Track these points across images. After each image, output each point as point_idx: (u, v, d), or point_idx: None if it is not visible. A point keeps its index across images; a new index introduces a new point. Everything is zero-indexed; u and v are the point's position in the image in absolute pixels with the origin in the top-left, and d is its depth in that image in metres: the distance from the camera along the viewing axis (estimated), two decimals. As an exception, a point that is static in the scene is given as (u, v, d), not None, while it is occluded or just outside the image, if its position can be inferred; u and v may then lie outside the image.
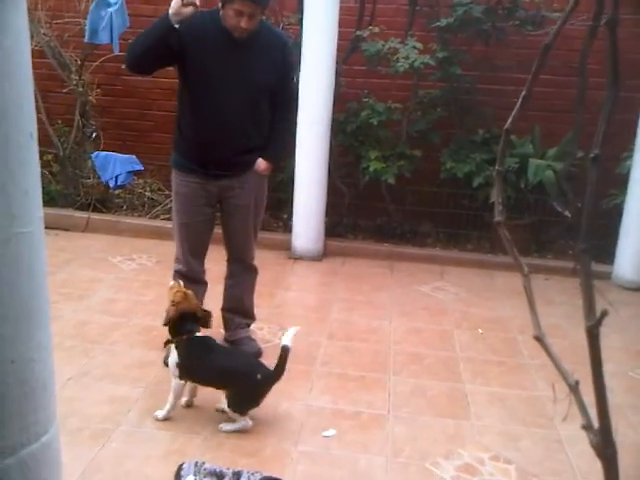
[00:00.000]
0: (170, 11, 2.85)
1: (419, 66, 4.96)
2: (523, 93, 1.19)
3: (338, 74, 5.12)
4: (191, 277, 3.31)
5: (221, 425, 2.81)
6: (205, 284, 3.43)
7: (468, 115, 5.56)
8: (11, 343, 1.07)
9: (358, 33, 5.27)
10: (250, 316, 3.58)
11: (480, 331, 4.05)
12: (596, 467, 1.18)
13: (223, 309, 3.52)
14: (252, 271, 3.50)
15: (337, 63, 5.04)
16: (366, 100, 5.40)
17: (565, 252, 5.46)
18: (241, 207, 3.29)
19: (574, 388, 1.02)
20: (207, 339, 2.90)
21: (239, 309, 3.53)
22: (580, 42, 5.23)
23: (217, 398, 2.85)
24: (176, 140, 3.27)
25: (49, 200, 5.63)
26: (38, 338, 1.13)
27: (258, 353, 3.43)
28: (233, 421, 2.80)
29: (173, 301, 2.84)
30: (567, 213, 5.49)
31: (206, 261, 3.43)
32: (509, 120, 1.19)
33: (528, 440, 2.90)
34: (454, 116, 5.55)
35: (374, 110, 5.29)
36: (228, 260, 3.48)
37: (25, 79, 1.07)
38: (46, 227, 4.70)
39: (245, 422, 2.79)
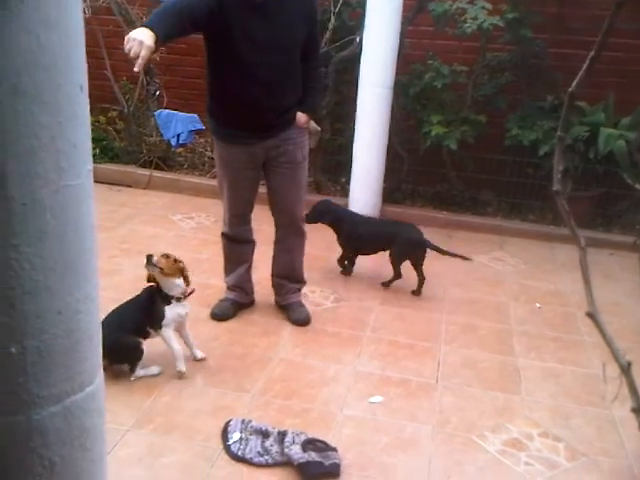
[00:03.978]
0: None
1: (488, 27, 4.76)
2: (591, 54, 1.11)
3: (403, 35, 4.98)
4: (237, 239, 3.40)
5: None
6: (253, 242, 3.47)
7: (537, 80, 5.32)
8: (58, 295, 1.08)
9: (425, -8, 5.10)
10: (300, 280, 3.58)
11: (538, 305, 3.94)
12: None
13: (273, 274, 3.55)
14: (301, 235, 3.47)
15: (402, 23, 4.89)
16: (431, 62, 5.23)
17: (633, 227, 5.23)
18: (288, 164, 3.24)
19: (626, 369, 0.97)
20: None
21: (289, 275, 3.53)
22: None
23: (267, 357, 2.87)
24: (211, 108, 3.20)
25: (113, 156, 5.76)
26: (84, 290, 1.14)
27: (306, 320, 3.46)
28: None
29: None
30: (638, 186, 5.21)
31: (260, 222, 3.45)
32: (574, 83, 1.11)
33: (580, 418, 2.82)
34: (522, 81, 5.33)
35: (439, 73, 5.13)
36: (276, 225, 3.46)
37: (75, 30, 1.06)
38: (109, 183, 4.78)
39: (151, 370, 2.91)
